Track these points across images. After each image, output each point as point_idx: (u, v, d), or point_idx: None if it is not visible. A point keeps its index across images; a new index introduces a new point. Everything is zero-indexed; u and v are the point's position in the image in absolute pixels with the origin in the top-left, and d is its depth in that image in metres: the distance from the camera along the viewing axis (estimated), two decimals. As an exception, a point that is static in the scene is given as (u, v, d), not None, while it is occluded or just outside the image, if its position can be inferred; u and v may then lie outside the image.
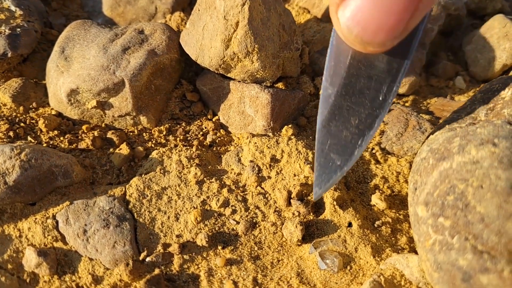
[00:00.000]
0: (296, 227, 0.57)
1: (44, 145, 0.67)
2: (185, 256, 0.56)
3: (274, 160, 0.66)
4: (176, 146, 0.71)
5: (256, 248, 0.57)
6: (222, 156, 0.70)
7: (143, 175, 0.64)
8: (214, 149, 0.72)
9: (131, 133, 0.73)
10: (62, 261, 0.55)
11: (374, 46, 0.38)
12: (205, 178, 0.64)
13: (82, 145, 0.69)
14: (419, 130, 0.70)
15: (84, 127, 0.71)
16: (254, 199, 0.62)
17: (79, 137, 0.71)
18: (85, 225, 0.56)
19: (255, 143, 0.68)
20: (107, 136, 0.71)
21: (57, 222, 0.57)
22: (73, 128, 0.73)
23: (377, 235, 0.57)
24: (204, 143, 0.72)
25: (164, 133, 0.73)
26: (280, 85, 0.76)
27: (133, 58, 0.71)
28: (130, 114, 0.71)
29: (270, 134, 0.72)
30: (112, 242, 0.55)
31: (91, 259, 0.55)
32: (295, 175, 0.64)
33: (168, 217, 0.60)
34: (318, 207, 0.62)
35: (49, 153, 0.61)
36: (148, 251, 0.56)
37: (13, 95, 0.73)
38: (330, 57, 0.46)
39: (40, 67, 0.82)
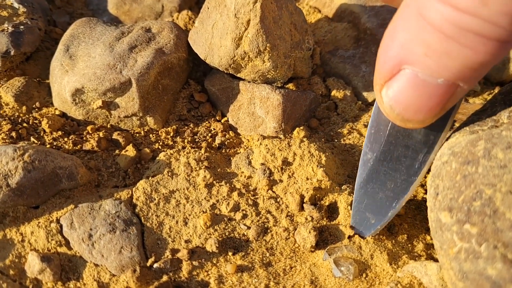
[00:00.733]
0: (310, 232, 0.55)
1: (48, 146, 0.66)
2: (194, 263, 0.54)
3: (286, 163, 0.64)
4: (184, 148, 0.69)
5: (268, 254, 0.56)
6: (231, 158, 0.68)
7: (150, 178, 0.62)
8: (223, 151, 0.70)
9: (137, 134, 0.71)
10: (66, 267, 0.53)
11: (414, 124, 0.41)
12: (214, 181, 0.62)
13: (87, 147, 0.67)
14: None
15: (89, 127, 0.70)
16: (265, 203, 0.60)
17: (84, 138, 0.69)
18: (91, 229, 0.55)
19: (266, 145, 0.66)
20: (113, 137, 0.69)
21: (61, 226, 0.56)
22: (78, 129, 0.71)
23: (393, 241, 0.56)
24: (213, 145, 0.70)
25: (171, 134, 0.71)
26: (291, 86, 0.75)
27: (140, 57, 0.69)
28: (136, 114, 0.70)
29: (281, 136, 0.70)
30: (118, 247, 0.54)
31: (96, 265, 0.53)
32: (307, 179, 0.62)
33: (177, 222, 0.58)
34: (331, 212, 0.60)
35: (53, 155, 0.59)
36: (156, 257, 0.54)
37: (15, 95, 0.72)
38: (371, 125, 0.50)
39: (44, 66, 0.80)
